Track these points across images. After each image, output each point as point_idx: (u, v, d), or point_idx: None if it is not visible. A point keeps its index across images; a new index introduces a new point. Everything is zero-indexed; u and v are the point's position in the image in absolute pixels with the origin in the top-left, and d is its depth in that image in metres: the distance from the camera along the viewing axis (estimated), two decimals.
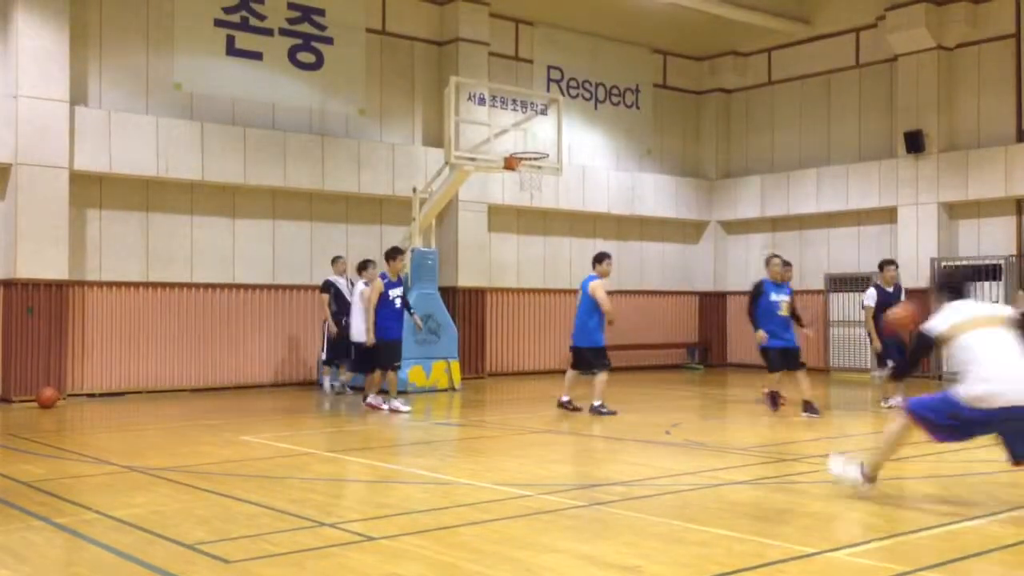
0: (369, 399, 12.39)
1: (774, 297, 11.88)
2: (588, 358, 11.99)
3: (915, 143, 17.77)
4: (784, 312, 11.92)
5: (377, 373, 12.38)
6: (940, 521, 6.03)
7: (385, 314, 12.23)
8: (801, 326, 12.35)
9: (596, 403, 11.83)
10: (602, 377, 11.90)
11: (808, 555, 5.21)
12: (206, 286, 15.32)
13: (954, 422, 6.16)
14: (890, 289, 12.51)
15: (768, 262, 12.27)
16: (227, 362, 15.44)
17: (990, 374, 6.01)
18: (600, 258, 12.31)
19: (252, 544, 5.45)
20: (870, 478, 6.62)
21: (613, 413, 11.69)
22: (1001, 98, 17.40)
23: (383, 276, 12.42)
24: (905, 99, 18.19)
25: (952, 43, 17.84)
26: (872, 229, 19.06)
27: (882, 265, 12.92)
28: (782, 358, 11.87)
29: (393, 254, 12.60)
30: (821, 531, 5.91)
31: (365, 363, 12.68)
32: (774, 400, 12.03)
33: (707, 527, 5.86)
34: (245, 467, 8.13)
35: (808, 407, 11.57)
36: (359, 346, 12.81)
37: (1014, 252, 17.03)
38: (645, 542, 5.55)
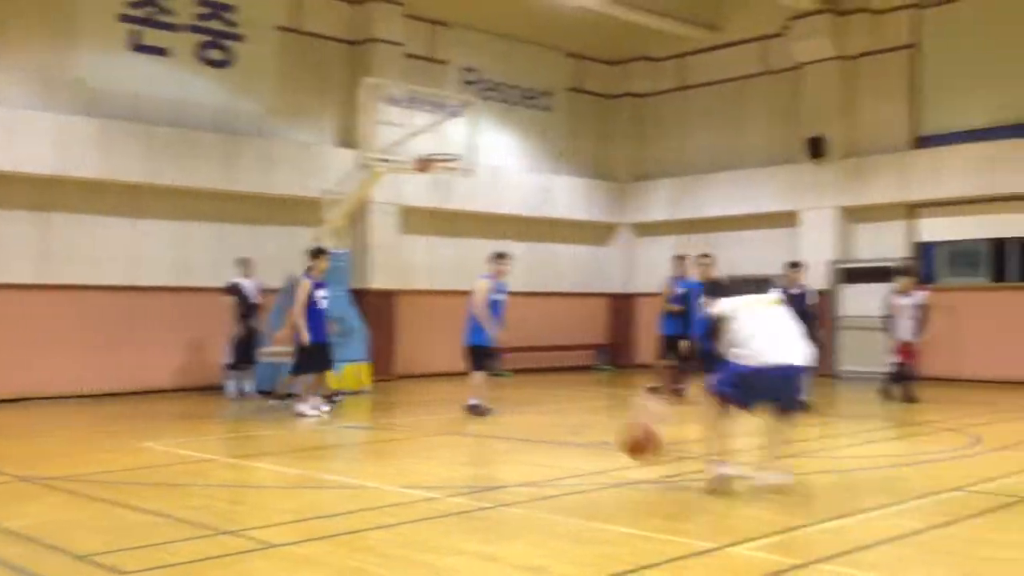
0: (303, 407, 12.03)
1: (702, 298, 11.65)
2: (466, 356, 12.05)
3: (817, 149, 18.31)
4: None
5: (311, 377, 12.11)
6: (832, 515, 6.22)
7: (311, 316, 11.96)
8: None
9: (471, 401, 11.85)
10: (475, 377, 11.92)
11: (709, 551, 5.33)
12: (108, 288, 14.88)
13: (742, 386, 6.91)
14: (794, 291, 12.61)
15: (697, 262, 12.03)
16: (130, 366, 15.02)
17: (764, 339, 6.92)
18: (494, 257, 12.26)
19: (149, 554, 5.32)
20: (721, 462, 6.93)
21: (486, 413, 11.71)
22: (897, 106, 18.03)
23: (309, 276, 12.16)
24: (808, 106, 18.72)
25: (853, 52, 18.42)
26: (777, 232, 19.53)
27: (788, 267, 13.10)
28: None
29: (318, 253, 12.36)
30: (721, 527, 6.04)
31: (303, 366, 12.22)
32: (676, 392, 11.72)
33: (612, 526, 5.94)
34: (145, 475, 7.93)
35: None
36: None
37: (907, 255, 17.67)
38: (551, 542, 5.60)
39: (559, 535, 5.78)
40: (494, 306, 12.00)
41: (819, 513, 6.35)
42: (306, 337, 11.81)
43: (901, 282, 14.14)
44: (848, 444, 9.65)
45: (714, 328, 7.21)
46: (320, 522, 6.16)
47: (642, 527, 5.92)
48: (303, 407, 11.88)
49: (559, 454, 9.13)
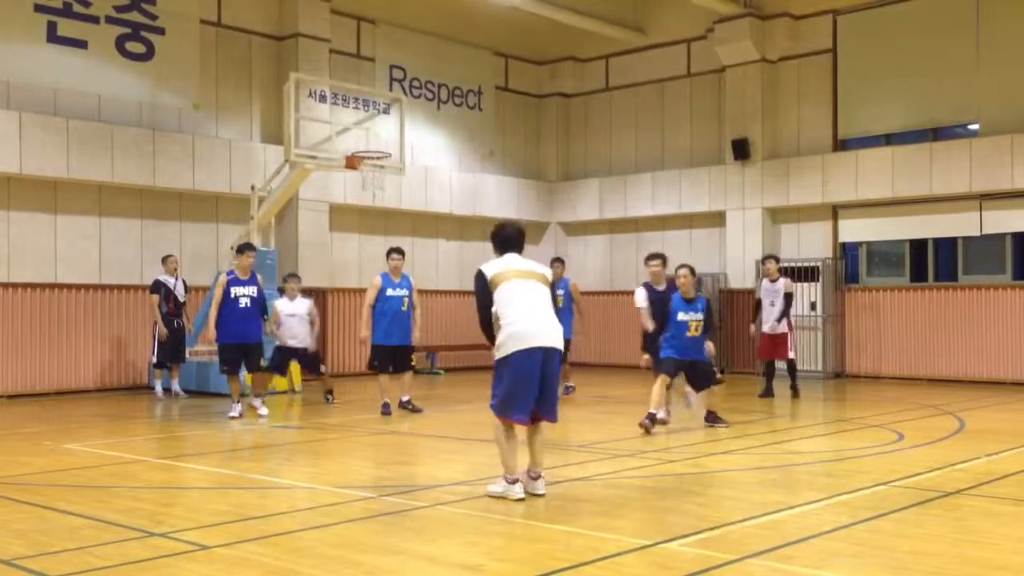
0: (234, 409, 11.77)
1: (681, 316, 10.16)
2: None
3: (741, 150, 18.65)
4: (693, 333, 10.19)
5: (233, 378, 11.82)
6: (765, 510, 6.33)
7: (225, 314, 11.44)
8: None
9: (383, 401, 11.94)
10: (379, 379, 11.99)
11: (644, 547, 5.38)
12: (24, 286, 14.44)
13: (516, 384, 6.63)
14: (661, 287, 11.19)
15: (677, 271, 10.43)
16: (48, 367, 14.61)
17: (517, 320, 6.60)
18: (387, 253, 12.33)
19: (75, 558, 5.17)
20: (513, 480, 6.73)
21: (388, 414, 11.76)
22: (819, 109, 18.48)
23: (230, 273, 11.69)
24: (732, 108, 19.06)
25: (775, 56, 18.81)
26: (703, 232, 19.87)
27: (647, 260, 11.51)
28: (676, 366, 10.29)
29: (242, 249, 11.81)
30: (655, 523, 6.11)
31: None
32: (651, 420, 10.18)
33: (547, 524, 5.96)
34: (68, 477, 7.70)
35: (711, 417, 10.51)
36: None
37: (830, 255, 18.12)
38: (487, 540, 5.60)
39: (495, 533, 5.78)
40: (389, 303, 11.84)
41: (751, 508, 6.46)
42: (212, 334, 11.54)
43: (766, 267, 13.69)
44: (776, 441, 9.84)
45: (486, 290, 6.72)
46: (253, 523, 6.06)
47: (577, 524, 5.95)
48: (236, 409, 11.56)
49: (493, 452, 9.10)
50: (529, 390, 6.63)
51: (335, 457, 8.97)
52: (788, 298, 13.53)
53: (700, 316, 10.17)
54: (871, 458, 8.49)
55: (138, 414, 12.55)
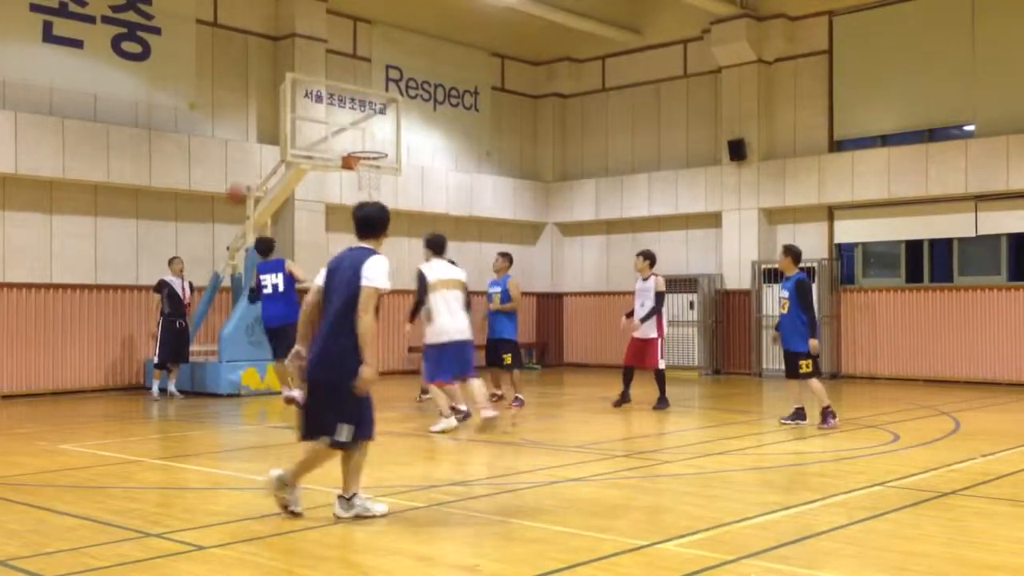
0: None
1: (781, 293, 10.79)
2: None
3: (738, 151, 18.66)
4: (782, 310, 10.59)
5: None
6: (761, 511, 6.34)
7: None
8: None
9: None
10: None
11: (640, 547, 5.38)
12: (20, 286, 14.42)
13: (439, 361, 9.85)
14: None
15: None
16: (44, 367, 14.58)
17: (443, 322, 9.79)
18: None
19: (71, 558, 5.17)
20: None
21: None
22: (815, 110, 18.49)
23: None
24: (728, 109, 19.06)
25: (771, 57, 18.82)
26: (699, 232, 19.88)
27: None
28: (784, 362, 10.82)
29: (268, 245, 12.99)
30: (652, 524, 6.11)
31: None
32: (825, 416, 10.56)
33: (544, 524, 5.96)
34: (64, 477, 7.69)
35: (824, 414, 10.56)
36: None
37: (826, 256, 18.14)
38: (483, 541, 5.60)
39: (491, 534, 5.77)
40: None
41: (747, 509, 6.46)
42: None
43: (636, 263, 12.59)
44: (773, 441, 9.86)
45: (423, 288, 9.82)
46: (250, 523, 6.05)
47: (573, 525, 5.95)
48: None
49: (489, 453, 9.13)
50: (447, 369, 10.11)
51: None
52: (659, 298, 12.17)
53: (786, 295, 10.49)
54: (867, 459, 8.50)
55: (134, 414, 12.53)
